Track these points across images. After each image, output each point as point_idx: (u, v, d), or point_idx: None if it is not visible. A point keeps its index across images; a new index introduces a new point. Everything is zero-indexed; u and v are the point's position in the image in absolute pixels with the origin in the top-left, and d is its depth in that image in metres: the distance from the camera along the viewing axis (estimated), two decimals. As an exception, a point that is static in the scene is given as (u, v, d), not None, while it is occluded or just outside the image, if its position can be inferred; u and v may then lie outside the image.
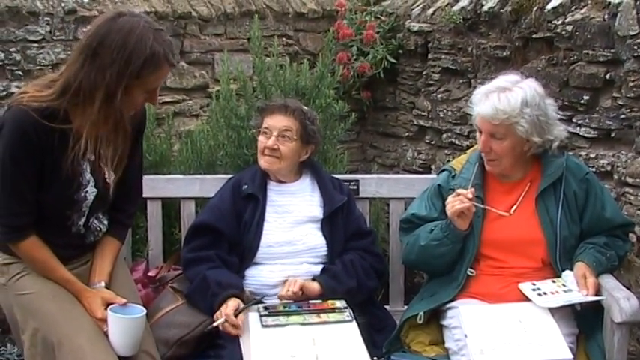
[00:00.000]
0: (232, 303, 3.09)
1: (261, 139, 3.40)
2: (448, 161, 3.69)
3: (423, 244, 3.24)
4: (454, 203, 3.11)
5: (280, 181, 3.45)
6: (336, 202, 3.41)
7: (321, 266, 3.35)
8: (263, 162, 3.39)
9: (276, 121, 3.37)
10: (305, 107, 3.49)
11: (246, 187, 3.40)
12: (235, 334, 3.05)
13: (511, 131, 3.10)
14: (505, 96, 3.09)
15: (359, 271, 3.35)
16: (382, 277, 3.56)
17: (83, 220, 2.89)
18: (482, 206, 3.17)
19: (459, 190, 3.14)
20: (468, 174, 3.28)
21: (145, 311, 2.84)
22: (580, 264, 3.10)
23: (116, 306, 2.81)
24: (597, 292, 3.04)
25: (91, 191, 2.85)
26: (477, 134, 3.23)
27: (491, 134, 3.13)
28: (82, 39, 2.70)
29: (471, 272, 3.21)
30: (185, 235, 3.47)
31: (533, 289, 3.09)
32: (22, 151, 2.67)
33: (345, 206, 3.44)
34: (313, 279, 3.29)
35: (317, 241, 3.37)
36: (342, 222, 3.43)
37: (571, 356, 2.89)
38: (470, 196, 3.10)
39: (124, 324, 2.77)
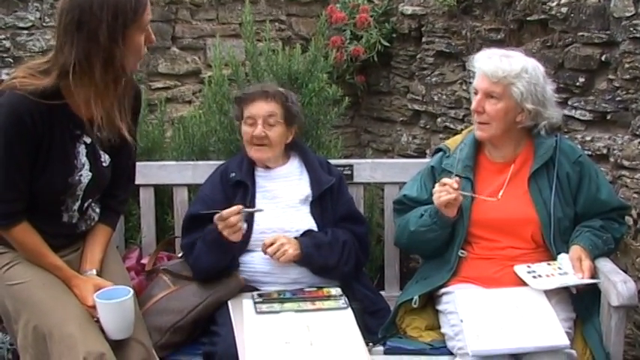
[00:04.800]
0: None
1: (245, 129, 3.37)
2: (443, 145, 3.66)
3: (412, 230, 3.25)
4: (440, 194, 3.10)
5: (268, 167, 3.42)
6: (324, 184, 3.39)
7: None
8: (253, 152, 3.37)
9: (259, 109, 3.34)
10: (283, 89, 3.47)
11: (233, 174, 3.37)
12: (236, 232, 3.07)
13: (507, 93, 3.13)
14: (507, 59, 3.16)
15: (344, 254, 3.31)
16: (358, 270, 3.50)
17: (77, 204, 2.87)
18: (469, 194, 3.16)
19: (445, 180, 3.12)
20: (461, 154, 3.28)
21: (131, 292, 2.80)
22: (576, 247, 3.09)
23: (103, 291, 2.79)
24: (593, 276, 3.03)
25: (85, 174, 2.83)
26: (473, 98, 3.25)
27: (488, 93, 3.16)
28: (59, 20, 2.63)
29: (462, 253, 3.21)
30: (181, 229, 3.43)
31: (529, 272, 3.08)
32: (16, 137, 2.64)
33: (334, 187, 3.41)
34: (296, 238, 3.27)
35: (308, 224, 3.34)
36: (330, 204, 3.40)
37: (568, 343, 2.87)
38: (455, 185, 3.09)
39: (111, 308, 2.74)
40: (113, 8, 2.56)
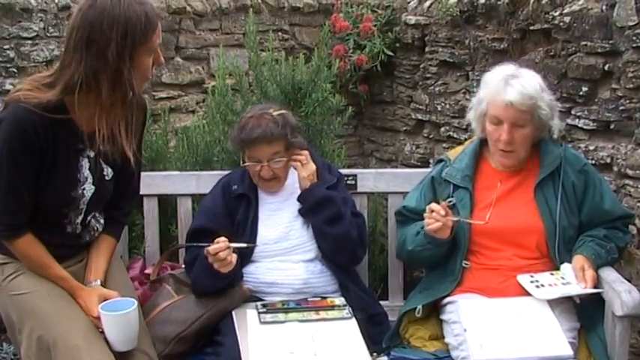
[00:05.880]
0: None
1: (250, 165, 3.31)
2: (446, 155, 3.66)
3: (409, 249, 3.26)
4: (429, 221, 3.09)
5: None
6: (326, 182, 3.36)
7: (317, 263, 3.33)
8: (262, 186, 3.36)
9: (263, 151, 3.26)
10: (280, 116, 3.31)
11: (235, 187, 3.36)
12: (226, 265, 3.05)
13: (534, 116, 3.09)
14: (525, 81, 3.08)
15: (349, 218, 3.35)
16: (357, 257, 3.47)
17: (80, 217, 2.88)
18: (457, 218, 3.12)
19: (433, 206, 3.10)
20: (461, 164, 3.28)
21: (136, 303, 2.81)
22: (579, 257, 3.08)
23: (107, 303, 2.79)
24: (596, 285, 3.02)
25: (88, 188, 2.84)
26: (489, 127, 3.17)
27: (514, 123, 3.09)
28: (69, 36, 2.64)
29: (465, 264, 3.19)
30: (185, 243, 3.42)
31: (532, 282, 3.07)
32: (20, 149, 2.65)
33: (333, 187, 3.39)
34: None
35: (311, 233, 3.33)
36: None
37: (571, 353, 2.86)
38: (443, 212, 3.06)
39: (116, 320, 2.74)
40: (123, 28, 2.57)
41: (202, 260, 3.10)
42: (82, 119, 2.73)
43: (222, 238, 3.06)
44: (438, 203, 3.13)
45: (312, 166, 3.32)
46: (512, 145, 3.12)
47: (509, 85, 3.08)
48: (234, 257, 3.07)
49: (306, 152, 3.34)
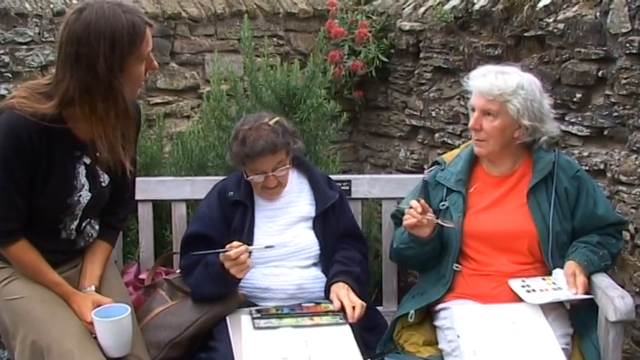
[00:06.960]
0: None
1: (254, 178, 3.29)
2: (440, 161, 3.67)
3: (394, 247, 3.32)
4: (406, 217, 3.12)
5: None
6: (329, 199, 3.38)
7: (312, 269, 3.33)
8: (267, 196, 3.35)
9: (268, 163, 3.24)
10: (276, 124, 3.30)
11: (232, 193, 3.35)
12: (244, 269, 3.05)
13: (503, 110, 3.13)
14: (502, 76, 3.15)
15: (365, 272, 3.44)
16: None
17: (75, 223, 2.88)
18: (431, 217, 3.12)
19: (412, 202, 3.12)
20: (455, 168, 3.30)
21: (129, 309, 2.80)
22: (571, 263, 3.09)
23: (101, 309, 2.79)
24: (587, 291, 3.03)
25: (85, 195, 2.83)
26: (471, 115, 3.25)
27: (484, 111, 3.16)
28: (58, 52, 2.63)
29: (457, 267, 3.21)
30: (180, 248, 3.42)
31: (523, 286, 3.08)
32: (14, 156, 2.64)
33: (336, 203, 3.41)
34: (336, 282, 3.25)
35: (309, 241, 3.34)
36: (334, 220, 3.40)
37: (564, 359, 2.87)
38: (420, 209, 3.09)
39: (109, 327, 2.74)
40: (110, 40, 2.55)
41: (209, 267, 3.10)
42: (78, 129, 2.73)
43: (237, 243, 3.05)
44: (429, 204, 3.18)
45: (363, 304, 3.21)
46: (480, 133, 3.19)
47: (485, 76, 3.18)
48: (249, 260, 3.08)
49: (357, 314, 3.16)
